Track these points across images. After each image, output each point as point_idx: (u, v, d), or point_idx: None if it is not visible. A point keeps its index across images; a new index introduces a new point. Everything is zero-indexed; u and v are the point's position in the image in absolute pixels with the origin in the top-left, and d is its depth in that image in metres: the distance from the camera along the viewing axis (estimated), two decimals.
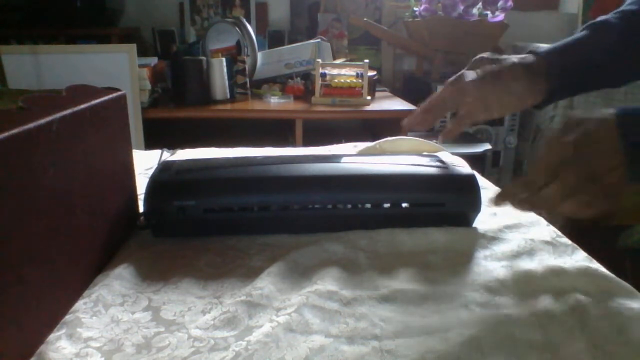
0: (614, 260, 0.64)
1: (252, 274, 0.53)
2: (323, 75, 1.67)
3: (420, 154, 0.73)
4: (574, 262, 0.55)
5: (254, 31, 1.84)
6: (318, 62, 1.67)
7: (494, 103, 0.62)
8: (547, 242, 0.60)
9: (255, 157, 0.70)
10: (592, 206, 0.47)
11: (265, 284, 0.50)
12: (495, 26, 1.83)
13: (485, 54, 0.64)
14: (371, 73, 1.73)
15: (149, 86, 1.61)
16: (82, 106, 0.48)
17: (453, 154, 0.88)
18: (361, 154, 0.89)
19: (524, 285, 0.51)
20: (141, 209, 0.64)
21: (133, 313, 0.47)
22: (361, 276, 0.53)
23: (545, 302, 0.48)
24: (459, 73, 0.64)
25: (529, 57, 0.62)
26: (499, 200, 0.53)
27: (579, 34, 0.64)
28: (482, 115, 0.63)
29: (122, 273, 0.53)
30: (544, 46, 0.64)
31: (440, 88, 0.65)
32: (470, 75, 0.62)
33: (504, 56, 0.63)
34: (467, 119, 0.64)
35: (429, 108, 0.65)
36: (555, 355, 0.41)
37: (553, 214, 0.52)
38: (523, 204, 0.52)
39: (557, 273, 0.53)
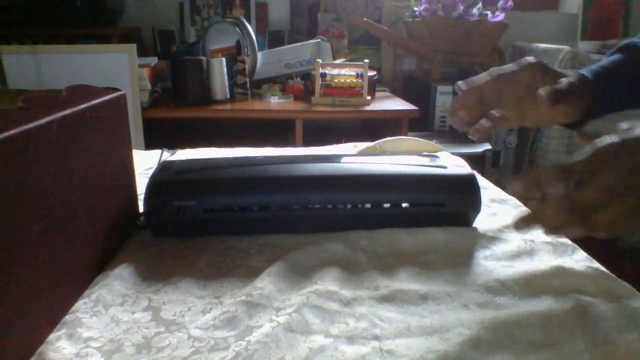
0: (614, 260, 0.64)
1: (252, 274, 0.53)
2: (323, 75, 1.67)
3: (420, 154, 0.73)
4: (574, 262, 0.55)
5: (254, 31, 1.84)
6: (318, 62, 1.67)
7: (533, 113, 0.61)
8: (547, 242, 0.60)
9: (255, 157, 0.70)
10: (626, 221, 0.43)
11: (265, 284, 0.50)
12: (495, 26, 1.83)
13: (532, 60, 0.61)
14: (371, 73, 1.73)
15: (149, 86, 1.61)
16: (82, 106, 0.48)
17: (453, 154, 0.88)
18: (361, 154, 0.89)
19: (524, 285, 0.51)
20: (141, 209, 0.64)
21: (133, 313, 0.47)
22: (361, 276, 0.53)
23: (546, 302, 0.48)
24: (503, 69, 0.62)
25: (575, 75, 0.61)
26: (528, 221, 0.48)
27: (615, 57, 0.63)
28: (516, 119, 0.62)
29: (122, 273, 0.53)
30: (584, 69, 0.62)
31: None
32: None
33: (553, 68, 0.62)
34: (503, 120, 0.61)
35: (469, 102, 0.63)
36: (555, 355, 0.41)
37: (585, 227, 0.45)
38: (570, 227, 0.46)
39: (557, 273, 0.53)
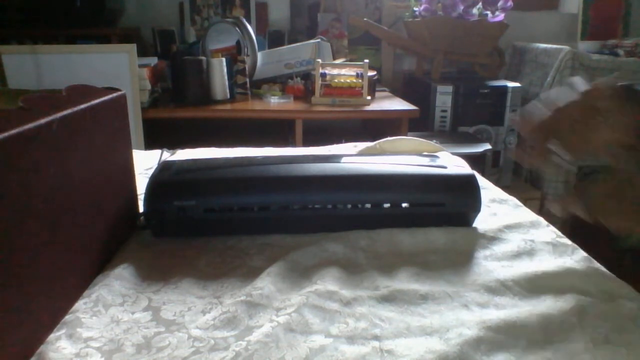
0: (614, 260, 0.64)
1: (252, 274, 0.53)
2: (323, 75, 1.67)
3: (420, 154, 0.73)
4: (574, 262, 0.55)
5: (254, 31, 1.84)
6: (318, 62, 1.67)
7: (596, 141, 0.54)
8: (547, 242, 0.60)
9: (255, 157, 0.70)
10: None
11: (265, 284, 0.50)
12: (495, 26, 1.83)
13: (581, 81, 0.55)
14: (371, 73, 1.73)
15: (149, 86, 1.61)
16: (82, 106, 0.48)
17: (453, 154, 0.88)
18: (361, 154, 0.89)
19: (524, 285, 0.51)
20: (141, 209, 0.64)
21: (133, 313, 0.47)
22: (361, 276, 0.53)
23: (546, 302, 0.48)
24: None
25: None
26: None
27: None
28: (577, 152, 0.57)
29: (122, 273, 0.53)
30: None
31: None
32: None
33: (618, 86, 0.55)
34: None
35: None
36: (555, 355, 0.41)
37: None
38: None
39: (557, 273, 0.53)
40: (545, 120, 0.56)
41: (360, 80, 1.67)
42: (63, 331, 0.43)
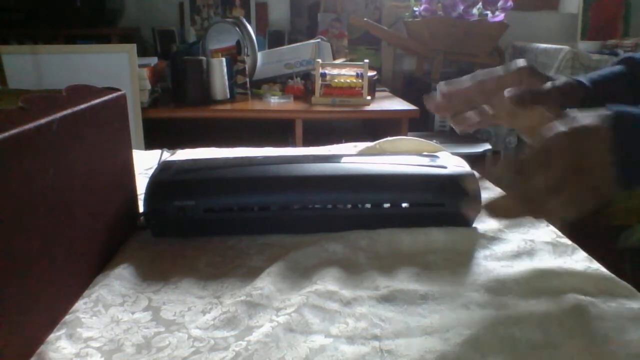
0: (614, 260, 0.64)
1: (252, 274, 0.53)
2: (323, 75, 1.68)
3: (420, 154, 0.73)
4: (574, 262, 0.55)
5: (254, 31, 1.84)
6: (318, 62, 1.67)
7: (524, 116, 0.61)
8: (547, 242, 0.60)
9: (255, 157, 0.70)
10: (577, 205, 0.46)
11: (265, 284, 0.50)
12: (495, 26, 1.83)
13: (522, 63, 0.61)
14: (371, 73, 1.73)
15: (149, 86, 1.61)
16: (82, 106, 0.48)
17: (453, 154, 0.88)
18: (361, 154, 0.89)
19: (524, 285, 0.51)
20: (141, 209, 0.64)
21: (133, 313, 0.47)
22: (361, 276, 0.53)
23: (545, 302, 0.48)
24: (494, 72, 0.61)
25: (564, 80, 0.61)
26: (498, 212, 0.51)
27: (615, 67, 0.64)
28: (506, 121, 0.63)
29: (122, 273, 0.53)
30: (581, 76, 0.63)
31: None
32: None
33: (542, 72, 0.61)
34: (492, 119, 0.63)
35: (451, 95, 0.63)
36: (555, 355, 0.41)
37: (540, 214, 0.51)
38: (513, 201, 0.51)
39: (557, 273, 0.53)
40: (470, 87, 0.62)
41: (360, 80, 1.67)
42: (63, 331, 0.43)
